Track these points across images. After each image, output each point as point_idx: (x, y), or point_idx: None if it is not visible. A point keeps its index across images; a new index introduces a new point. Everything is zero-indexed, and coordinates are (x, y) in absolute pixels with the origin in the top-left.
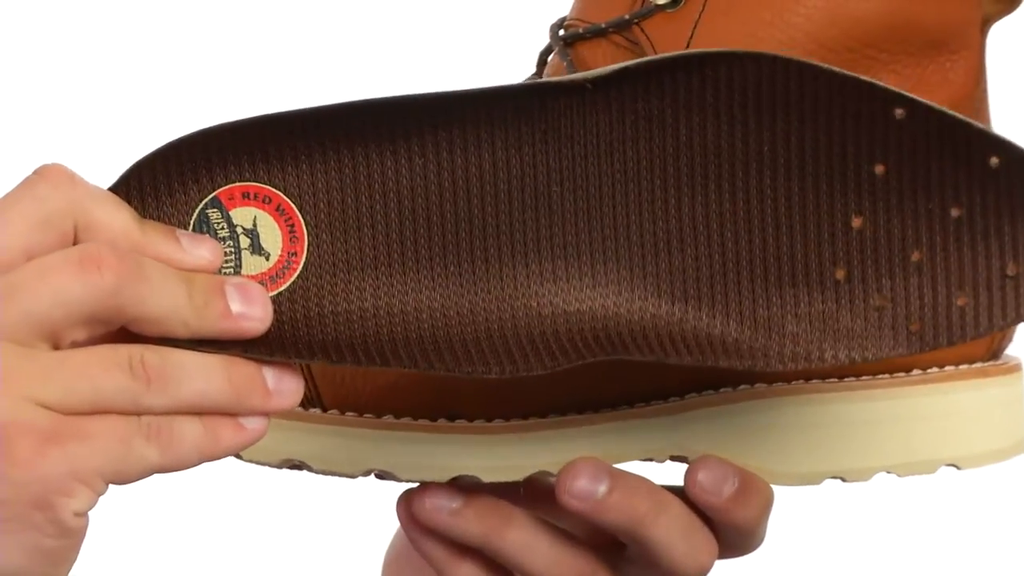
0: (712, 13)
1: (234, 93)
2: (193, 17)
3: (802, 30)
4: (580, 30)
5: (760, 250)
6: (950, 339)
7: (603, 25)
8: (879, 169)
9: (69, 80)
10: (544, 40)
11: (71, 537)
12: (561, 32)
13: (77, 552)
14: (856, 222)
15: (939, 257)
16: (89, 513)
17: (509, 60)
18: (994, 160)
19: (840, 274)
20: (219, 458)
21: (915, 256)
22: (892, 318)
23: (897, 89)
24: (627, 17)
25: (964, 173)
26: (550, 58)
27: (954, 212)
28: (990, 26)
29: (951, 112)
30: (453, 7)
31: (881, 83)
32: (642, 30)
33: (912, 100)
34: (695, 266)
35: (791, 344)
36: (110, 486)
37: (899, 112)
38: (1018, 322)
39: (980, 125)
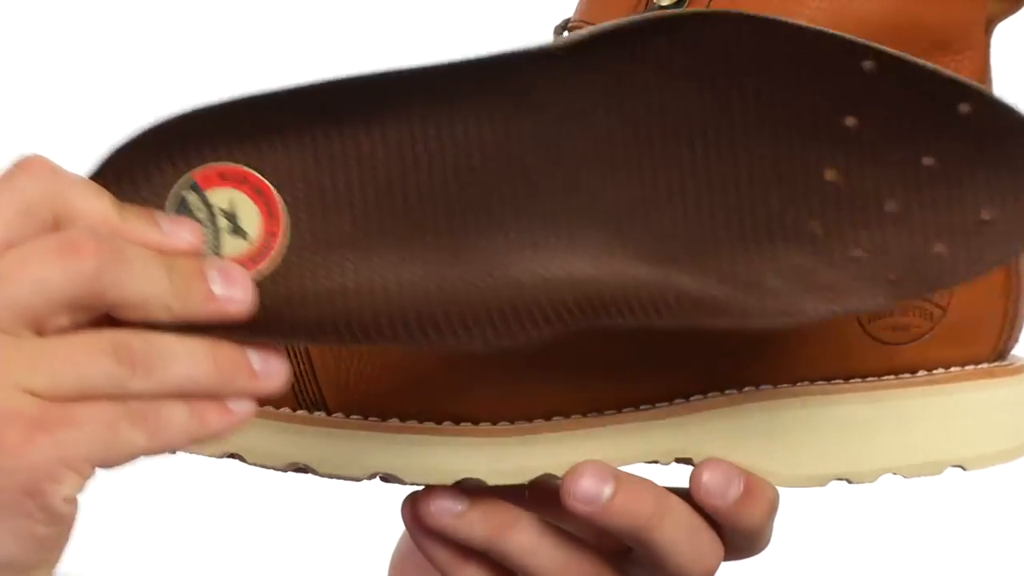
0: None
1: (208, 76)
2: (168, 3)
3: None
4: None
5: (736, 208)
6: (929, 287)
7: None
8: (850, 121)
9: (44, 70)
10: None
11: (61, 523)
12: (565, 34)
13: (68, 538)
14: (829, 175)
15: (914, 206)
16: (79, 499)
17: None
18: (963, 107)
19: (816, 227)
20: (207, 441)
21: (890, 206)
22: (871, 269)
23: (864, 41)
24: None
25: (935, 121)
26: None
27: (926, 161)
28: (994, 26)
29: (918, 61)
30: (458, 8)
31: (847, 35)
32: None
33: (879, 51)
34: (672, 227)
35: (772, 300)
36: (110, 488)
37: (867, 64)
38: (995, 266)
39: (949, 73)
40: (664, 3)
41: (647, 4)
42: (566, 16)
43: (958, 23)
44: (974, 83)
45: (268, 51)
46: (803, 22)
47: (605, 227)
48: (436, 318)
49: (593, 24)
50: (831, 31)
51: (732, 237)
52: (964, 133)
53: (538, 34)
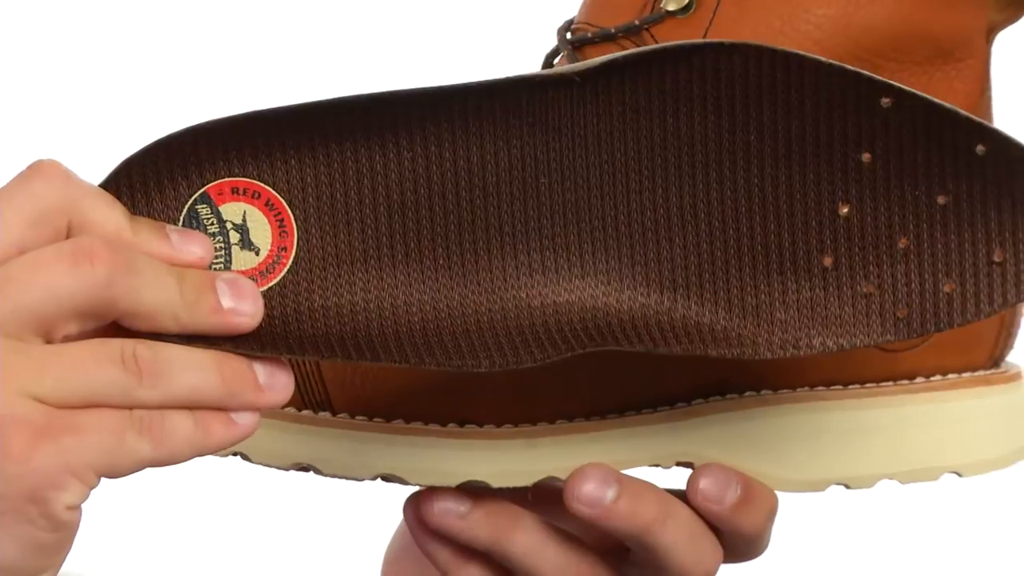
0: (723, 20)
1: (224, 89)
2: (184, 13)
3: (812, 38)
4: (589, 34)
5: (748, 238)
6: (937, 325)
7: (612, 30)
8: (865, 157)
9: (61, 76)
10: (549, 42)
11: (64, 530)
12: (568, 35)
13: (70, 545)
14: (843, 209)
15: (926, 244)
16: (82, 506)
17: (515, 63)
18: (980, 148)
19: (827, 261)
20: (210, 453)
21: (902, 243)
22: (880, 305)
23: (883, 78)
24: (637, 23)
25: (950, 160)
26: (556, 61)
27: (940, 199)
28: (995, 35)
29: (937, 100)
30: (460, 9)
31: (867, 72)
32: (652, 36)
33: (898, 89)
34: (683, 255)
35: (780, 332)
36: (114, 484)
37: (885, 101)
38: (1005, 308)
39: (966, 113)
40: (671, 7)
41: (653, 6)
42: (569, 17)
43: (961, 32)
44: (991, 124)
45: (285, 64)
46: (821, 56)
47: (616, 252)
48: (443, 338)
49: (598, 27)
50: (850, 67)
51: (742, 267)
52: (979, 173)
53: (541, 34)
